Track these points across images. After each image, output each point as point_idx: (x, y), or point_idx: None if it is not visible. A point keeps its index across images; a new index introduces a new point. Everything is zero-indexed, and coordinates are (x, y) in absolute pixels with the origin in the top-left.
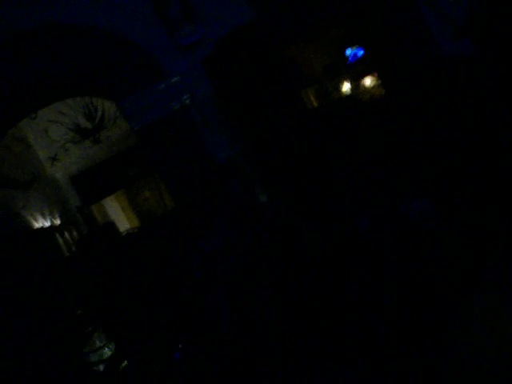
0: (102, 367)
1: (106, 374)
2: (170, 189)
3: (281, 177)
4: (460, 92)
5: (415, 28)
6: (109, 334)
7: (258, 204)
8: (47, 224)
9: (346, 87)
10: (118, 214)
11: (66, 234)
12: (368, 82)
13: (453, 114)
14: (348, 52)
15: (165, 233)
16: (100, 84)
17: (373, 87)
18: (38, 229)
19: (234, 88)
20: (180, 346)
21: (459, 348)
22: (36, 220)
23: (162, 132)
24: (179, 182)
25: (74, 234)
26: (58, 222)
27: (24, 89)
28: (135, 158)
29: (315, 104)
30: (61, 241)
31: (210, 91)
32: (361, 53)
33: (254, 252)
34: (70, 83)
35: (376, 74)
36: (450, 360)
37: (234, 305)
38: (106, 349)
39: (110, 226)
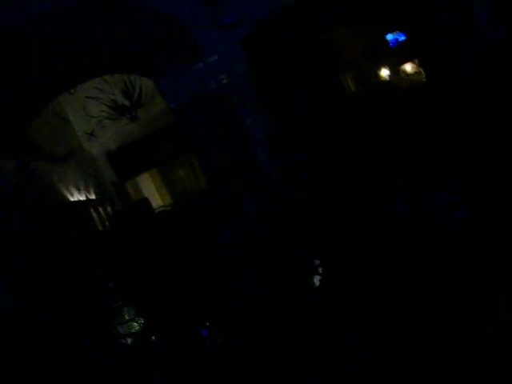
0: (129, 340)
1: (135, 347)
2: (203, 167)
3: (318, 157)
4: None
5: (459, 11)
6: (138, 309)
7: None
8: (82, 198)
9: (385, 73)
10: (152, 192)
11: (100, 209)
12: (408, 68)
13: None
14: (389, 37)
15: (198, 211)
16: (139, 60)
17: (413, 74)
18: (73, 202)
19: (273, 69)
20: (207, 323)
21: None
22: (71, 193)
23: (199, 111)
24: (213, 160)
25: (108, 208)
26: (92, 196)
27: (65, 62)
28: (171, 137)
29: (353, 88)
30: (95, 215)
31: (247, 71)
32: (402, 38)
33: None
34: (111, 58)
35: (417, 61)
36: None
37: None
38: (135, 323)
39: (144, 202)
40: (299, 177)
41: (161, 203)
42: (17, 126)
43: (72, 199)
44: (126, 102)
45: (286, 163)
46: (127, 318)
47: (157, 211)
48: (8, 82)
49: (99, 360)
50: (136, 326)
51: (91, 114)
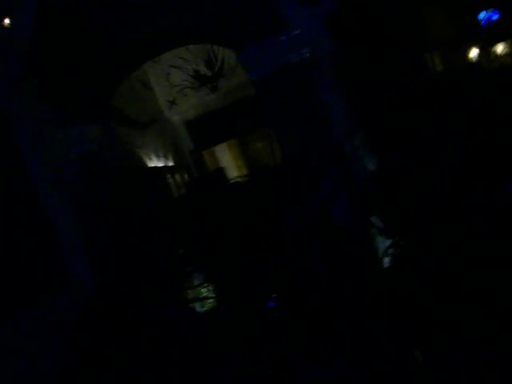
0: (197, 305)
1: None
2: (280, 141)
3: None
4: None
5: None
6: (207, 275)
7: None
8: (160, 164)
9: (474, 53)
10: (228, 162)
11: (178, 176)
12: (500, 49)
13: None
14: (482, 15)
15: (273, 184)
16: (224, 32)
17: (504, 55)
18: (152, 168)
19: (356, 47)
20: (274, 295)
21: None
22: (150, 159)
23: (279, 84)
24: (290, 134)
25: (185, 176)
26: (170, 163)
27: (150, 32)
28: (249, 109)
29: (439, 68)
30: (171, 181)
31: (330, 47)
32: (495, 17)
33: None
34: (197, 29)
35: (510, 41)
36: None
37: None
38: (204, 289)
39: (221, 172)
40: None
41: (236, 174)
42: (103, 93)
43: (151, 165)
44: (208, 72)
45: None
46: (196, 283)
47: (231, 182)
48: (101, 49)
49: (176, 324)
50: (204, 292)
51: (173, 82)
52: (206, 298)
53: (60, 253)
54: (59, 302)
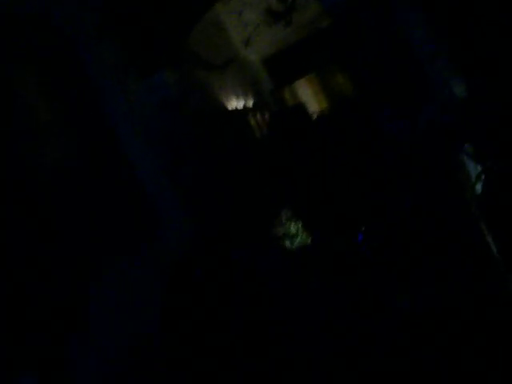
0: (287, 242)
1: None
2: (357, 71)
3: None
4: None
5: None
6: (295, 212)
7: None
8: (241, 105)
9: None
10: (309, 98)
11: (259, 116)
12: None
13: None
14: None
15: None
16: None
17: None
18: (233, 109)
19: None
20: (363, 228)
21: None
22: (230, 101)
23: (353, 12)
24: (363, 67)
25: (266, 116)
26: (250, 103)
27: None
28: (327, 42)
29: None
30: (253, 122)
31: None
32: None
33: None
34: None
35: None
36: None
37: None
38: (292, 226)
39: (301, 106)
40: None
41: (318, 109)
42: (178, 38)
43: (231, 107)
44: (281, 7)
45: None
46: (284, 220)
47: (315, 114)
48: None
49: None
50: (293, 229)
51: (247, 21)
52: (296, 234)
53: (150, 201)
54: (156, 248)
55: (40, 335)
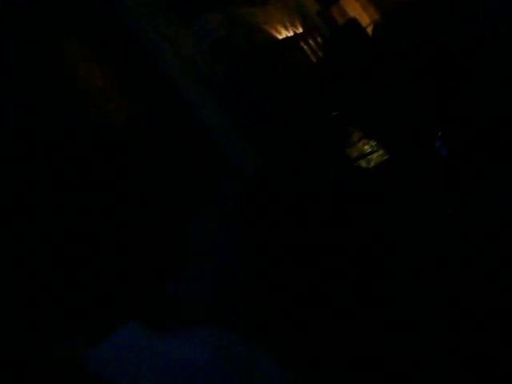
0: (363, 162)
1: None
2: None
3: None
4: None
5: None
6: (366, 131)
7: None
8: (290, 34)
9: None
10: (359, 12)
11: (311, 41)
12: None
13: None
14: None
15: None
16: None
17: None
18: (283, 39)
19: None
20: (440, 133)
21: None
22: (279, 32)
23: None
24: None
25: (318, 39)
26: (300, 30)
27: None
28: None
29: None
30: (306, 48)
31: None
32: None
33: None
34: None
35: None
36: None
37: None
38: (366, 145)
39: (354, 22)
40: None
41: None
42: None
43: (281, 37)
44: None
45: None
46: (356, 140)
47: (372, 26)
48: None
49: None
50: (367, 149)
51: None
52: (371, 152)
53: (214, 143)
54: (227, 187)
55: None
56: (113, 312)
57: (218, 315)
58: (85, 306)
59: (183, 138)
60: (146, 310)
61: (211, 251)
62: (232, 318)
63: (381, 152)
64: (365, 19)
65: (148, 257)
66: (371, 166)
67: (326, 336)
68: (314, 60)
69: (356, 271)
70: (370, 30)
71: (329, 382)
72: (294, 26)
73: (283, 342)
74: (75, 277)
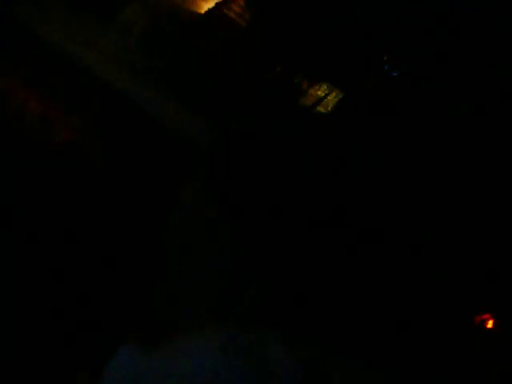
0: (320, 108)
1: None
2: None
3: None
4: None
5: None
6: (315, 77)
7: None
8: (212, 3)
9: None
10: None
11: (233, 6)
12: None
13: None
14: None
15: None
16: None
17: None
18: (206, 12)
19: None
20: (386, 57)
21: None
22: (200, 6)
23: None
24: None
25: (240, 2)
26: None
27: None
28: None
29: None
30: (235, 7)
31: None
32: None
33: None
34: None
35: None
36: None
37: None
38: (319, 91)
39: None
40: None
41: None
42: None
43: (203, 10)
44: None
45: None
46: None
47: None
48: None
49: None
50: (321, 94)
51: None
52: (326, 95)
53: (166, 132)
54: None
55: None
56: (103, 339)
57: (216, 313)
58: (73, 339)
59: (136, 138)
60: (137, 329)
61: (195, 249)
62: (233, 312)
63: (334, 93)
64: None
65: (127, 274)
66: (329, 109)
67: (323, 309)
68: (241, 23)
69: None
70: None
71: (335, 352)
72: None
73: (288, 322)
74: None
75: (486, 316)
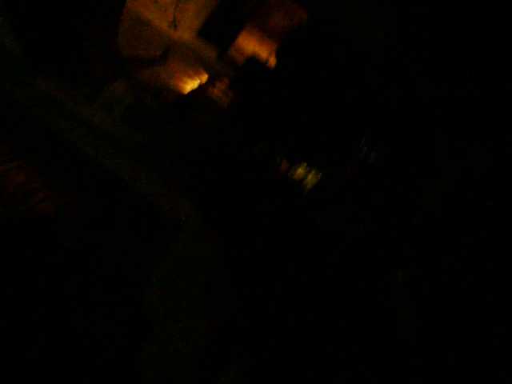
0: (300, 188)
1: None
2: None
3: None
4: None
5: None
6: (295, 157)
7: None
8: (197, 83)
9: None
10: (256, 47)
11: (218, 84)
12: None
13: None
14: None
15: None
16: None
17: None
18: (190, 92)
19: None
20: (364, 140)
21: None
22: (186, 84)
23: None
24: None
25: (223, 82)
26: (205, 77)
27: None
28: None
29: None
30: (215, 92)
31: None
32: None
33: None
34: None
35: None
36: None
37: None
38: (298, 170)
39: (252, 60)
40: None
41: (267, 53)
42: (107, 45)
43: (188, 88)
44: None
45: None
46: (286, 167)
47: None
48: None
49: None
50: (301, 173)
51: (164, 4)
52: (305, 175)
53: (149, 204)
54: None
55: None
56: None
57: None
58: None
59: (118, 209)
60: None
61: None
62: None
63: (313, 172)
64: (264, 51)
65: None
66: (308, 188)
67: None
68: (224, 102)
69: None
70: (271, 58)
71: None
72: (198, 74)
73: None
74: None
75: None
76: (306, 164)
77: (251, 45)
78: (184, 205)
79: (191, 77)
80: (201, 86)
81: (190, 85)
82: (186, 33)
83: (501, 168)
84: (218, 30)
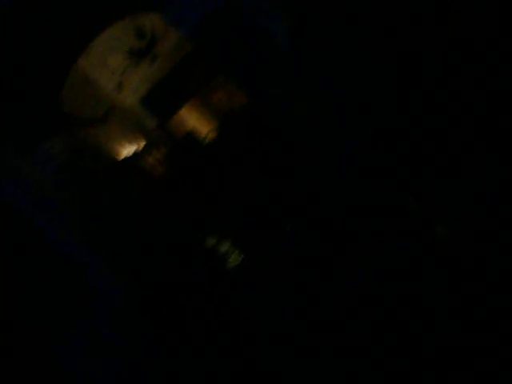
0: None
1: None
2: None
3: None
4: None
5: None
6: (220, 235)
7: None
8: (133, 148)
9: None
10: (197, 121)
11: (155, 152)
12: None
13: None
14: None
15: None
16: None
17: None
18: (124, 159)
19: None
20: (289, 226)
21: None
22: (123, 148)
23: (212, 31)
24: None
25: (160, 152)
26: (142, 144)
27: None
28: (197, 62)
29: None
30: (151, 160)
31: None
32: None
33: None
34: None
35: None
36: None
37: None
38: (222, 248)
39: (190, 136)
40: None
41: (207, 130)
42: (51, 101)
43: (125, 152)
44: (142, 44)
45: None
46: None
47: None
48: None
49: None
50: (223, 251)
51: (113, 67)
52: (228, 254)
53: (79, 272)
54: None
55: None
56: None
57: None
58: None
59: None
60: None
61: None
62: None
63: (236, 252)
64: (204, 126)
65: None
66: (230, 268)
67: None
68: (157, 172)
69: None
70: (209, 135)
71: None
72: (136, 140)
73: None
74: None
75: None
76: (230, 243)
77: (193, 119)
78: (108, 272)
79: (129, 141)
80: (136, 153)
81: (127, 149)
82: (130, 98)
83: None
84: (163, 99)
